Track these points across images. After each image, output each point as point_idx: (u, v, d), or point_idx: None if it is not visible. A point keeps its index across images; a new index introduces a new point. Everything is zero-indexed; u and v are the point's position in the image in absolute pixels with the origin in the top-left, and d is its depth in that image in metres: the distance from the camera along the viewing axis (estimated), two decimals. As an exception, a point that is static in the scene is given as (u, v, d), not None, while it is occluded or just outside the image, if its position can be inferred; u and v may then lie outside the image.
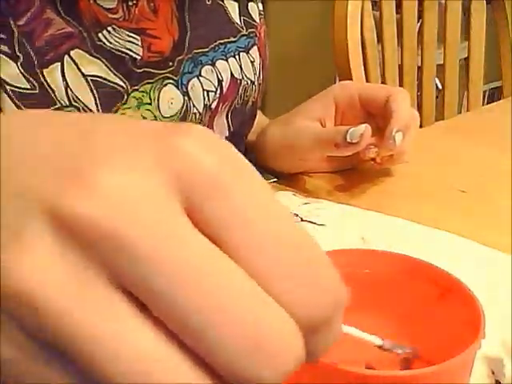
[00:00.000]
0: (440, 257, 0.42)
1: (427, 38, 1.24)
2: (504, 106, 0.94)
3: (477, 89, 1.28)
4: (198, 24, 0.60)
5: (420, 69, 1.25)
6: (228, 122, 0.65)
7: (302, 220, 0.57)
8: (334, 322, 0.22)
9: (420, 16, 1.23)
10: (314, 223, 0.56)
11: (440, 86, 1.32)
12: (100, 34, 0.53)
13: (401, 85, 1.23)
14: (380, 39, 1.17)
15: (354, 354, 0.38)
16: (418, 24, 1.24)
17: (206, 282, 0.19)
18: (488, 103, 1.26)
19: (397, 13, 1.18)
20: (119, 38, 0.54)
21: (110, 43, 0.54)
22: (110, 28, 0.54)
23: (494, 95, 2.33)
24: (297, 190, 0.64)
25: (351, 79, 1.08)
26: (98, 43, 0.53)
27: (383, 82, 1.20)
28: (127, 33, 0.55)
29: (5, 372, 0.20)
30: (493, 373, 0.39)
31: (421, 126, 0.67)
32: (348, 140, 0.58)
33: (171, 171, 0.19)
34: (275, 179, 0.67)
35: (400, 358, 0.39)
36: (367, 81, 1.15)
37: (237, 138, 0.68)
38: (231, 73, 0.63)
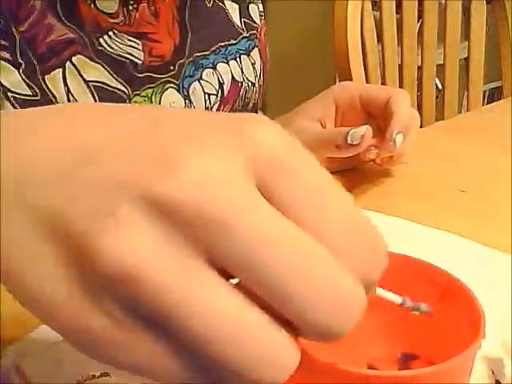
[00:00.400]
0: (440, 257, 0.42)
1: (427, 38, 1.24)
2: (504, 106, 0.94)
3: (477, 89, 1.28)
4: (198, 27, 0.60)
5: (420, 69, 1.26)
6: None
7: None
8: (377, 279, 0.25)
9: (420, 16, 1.23)
10: (314, 223, 0.56)
11: (440, 86, 1.32)
12: (101, 39, 0.53)
13: (401, 85, 1.23)
14: (380, 39, 1.17)
15: (355, 354, 0.38)
16: (418, 24, 1.24)
17: (290, 252, 0.21)
18: (488, 103, 1.26)
19: (397, 13, 1.18)
20: (120, 43, 0.54)
21: (111, 48, 0.54)
22: (110, 33, 0.54)
23: (493, 95, 2.33)
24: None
25: (351, 79, 1.08)
26: (99, 48, 0.53)
27: (383, 83, 1.20)
28: (128, 37, 0.55)
29: (89, 342, 0.21)
30: (493, 373, 0.39)
31: (421, 126, 0.67)
32: (349, 141, 0.58)
33: (248, 157, 0.22)
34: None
35: (399, 356, 0.39)
36: (367, 81, 1.15)
37: None
38: (232, 76, 0.63)
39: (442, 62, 1.26)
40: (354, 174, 0.67)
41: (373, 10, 1.15)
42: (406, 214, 0.58)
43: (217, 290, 0.21)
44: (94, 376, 0.39)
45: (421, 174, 0.68)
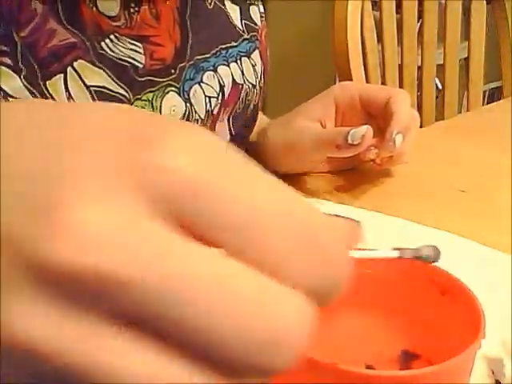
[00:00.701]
0: (440, 257, 0.42)
1: (427, 38, 1.24)
2: (504, 106, 0.94)
3: (477, 89, 1.28)
4: (199, 29, 0.60)
5: (420, 69, 1.26)
6: (229, 126, 0.65)
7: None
8: (340, 286, 0.23)
9: (420, 16, 1.23)
10: (314, 223, 0.56)
11: (440, 86, 1.32)
12: (103, 43, 0.53)
13: (401, 85, 1.23)
14: (380, 39, 1.17)
15: (354, 354, 0.38)
16: (418, 24, 1.24)
17: (215, 290, 0.18)
18: (488, 103, 1.26)
19: (397, 13, 1.18)
20: (121, 47, 0.54)
21: (113, 52, 0.53)
22: (112, 36, 0.53)
23: (493, 95, 2.33)
24: (297, 190, 0.64)
25: (351, 79, 1.08)
26: (101, 52, 0.53)
27: (383, 82, 1.20)
28: (129, 40, 0.55)
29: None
30: (493, 373, 0.39)
31: (421, 126, 0.67)
32: (349, 141, 0.58)
33: (146, 191, 0.18)
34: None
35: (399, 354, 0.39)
36: (367, 81, 1.15)
37: (239, 141, 0.68)
38: (233, 78, 0.63)
39: (442, 62, 1.26)
40: (354, 174, 0.67)
41: (373, 9, 1.15)
42: (406, 213, 0.58)
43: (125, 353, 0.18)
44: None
45: (421, 173, 0.68)
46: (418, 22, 1.24)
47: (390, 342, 0.39)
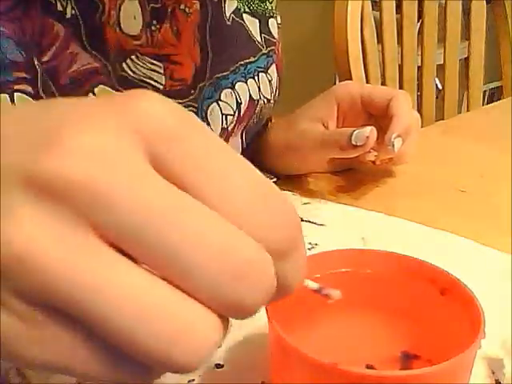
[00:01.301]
0: (440, 257, 0.42)
1: (427, 37, 1.24)
2: (504, 106, 0.94)
3: (477, 89, 1.28)
4: (219, 46, 0.59)
5: (420, 69, 1.26)
6: (242, 139, 0.65)
7: (302, 220, 0.57)
8: (298, 248, 0.24)
9: (420, 16, 1.23)
10: (314, 223, 0.56)
11: (440, 86, 1.32)
12: (124, 64, 0.52)
13: (401, 85, 1.23)
14: (380, 39, 1.17)
15: (354, 354, 0.38)
16: (418, 24, 1.24)
17: (184, 224, 0.20)
18: (488, 103, 1.26)
19: (397, 13, 1.18)
20: (142, 67, 0.53)
21: (134, 73, 0.53)
22: (133, 56, 0.52)
23: (493, 95, 2.33)
24: (297, 190, 0.64)
25: (351, 79, 1.08)
26: (122, 74, 0.52)
27: (383, 82, 1.20)
28: (150, 60, 0.54)
29: (9, 348, 0.21)
30: (493, 373, 0.39)
31: (421, 126, 0.67)
32: (353, 142, 0.57)
33: (133, 129, 0.21)
34: (275, 179, 0.67)
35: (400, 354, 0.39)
36: (367, 81, 1.15)
37: (249, 150, 0.67)
38: (250, 94, 0.62)
39: (441, 62, 1.26)
40: (354, 173, 0.67)
41: (373, 10, 1.15)
42: (405, 213, 0.58)
43: (115, 265, 0.20)
44: (93, 376, 0.39)
45: (421, 173, 0.68)
46: (418, 21, 1.24)
47: (390, 342, 0.39)
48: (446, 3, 1.24)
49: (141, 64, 0.53)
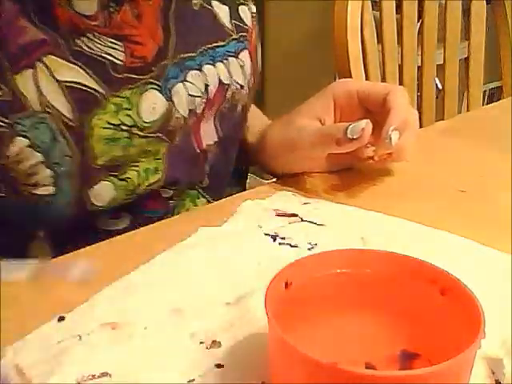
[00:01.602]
0: (440, 257, 0.42)
1: (427, 38, 1.24)
2: (504, 106, 0.94)
3: (477, 89, 1.28)
4: (184, 29, 0.60)
5: (420, 69, 1.25)
6: (216, 126, 0.65)
7: (302, 220, 0.57)
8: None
9: (420, 16, 1.23)
10: (314, 223, 0.56)
11: (440, 86, 1.32)
12: (78, 41, 0.53)
13: (401, 85, 1.23)
14: (380, 39, 1.17)
15: (354, 354, 0.38)
16: (418, 24, 1.24)
17: None
18: (488, 103, 1.26)
19: (397, 13, 1.18)
20: (100, 44, 0.54)
21: (90, 48, 0.54)
22: (89, 35, 0.54)
23: (493, 95, 2.33)
24: (296, 190, 0.64)
25: (351, 78, 1.08)
26: (76, 49, 0.53)
27: (383, 82, 1.20)
28: (109, 39, 0.55)
29: None
30: (493, 373, 0.39)
31: (421, 126, 0.67)
32: (349, 136, 0.57)
33: None
34: (275, 179, 0.67)
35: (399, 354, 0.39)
36: (367, 80, 1.14)
37: (228, 142, 0.68)
38: (219, 77, 0.63)
39: (441, 62, 1.26)
40: (354, 173, 0.67)
41: (373, 10, 1.14)
42: (405, 214, 0.58)
43: None
44: (93, 376, 0.39)
45: (421, 174, 0.68)
46: (418, 22, 1.23)
47: (390, 341, 0.39)
48: (445, 3, 1.24)
49: (98, 42, 0.54)
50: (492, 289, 0.46)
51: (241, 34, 0.66)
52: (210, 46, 0.62)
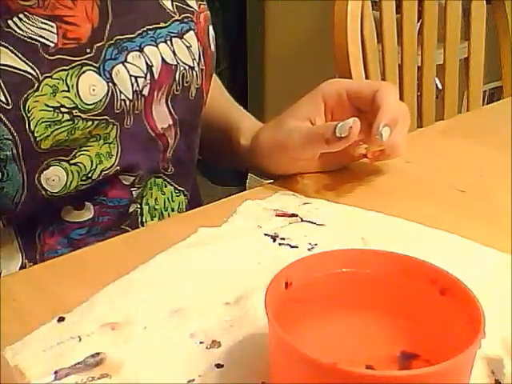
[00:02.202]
0: (440, 257, 0.42)
1: (427, 37, 1.24)
2: (504, 106, 0.94)
3: (477, 89, 1.28)
4: (122, 11, 0.60)
5: (420, 69, 1.25)
6: (169, 109, 0.65)
7: (301, 220, 0.57)
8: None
9: (420, 16, 1.23)
10: (314, 223, 0.56)
11: (440, 86, 1.32)
12: (10, 21, 0.53)
13: (401, 85, 1.23)
14: (380, 39, 1.17)
15: (354, 354, 0.38)
16: (418, 24, 1.24)
17: None
18: (488, 103, 1.26)
19: (397, 13, 1.18)
20: (31, 25, 0.54)
21: (21, 30, 0.54)
22: (21, 15, 0.54)
23: (493, 95, 2.33)
24: (296, 190, 0.64)
25: (351, 79, 1.08)
26: (7, 30, 0.53)
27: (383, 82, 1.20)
28: (41, 20, 0.55)
29: None
30: (493, 373, 0.39)
31: (421, 126, 0.67)
32: (337, 134, 0.58)
33: None
34: (271, 180, 0.67)
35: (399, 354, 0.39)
36: (366, 80, 1.14)
37: (186, 127, 0.68)
38: (162, 58, 0.63)
39: (441, 62, 1.26)
40: (354, 174, 0.67)
41: (373, 10, 1.14)
42: (405, 213, 0.58)
43: None
44: (93, 377, 0.39)
45: (421, 173, 0.68)
46: (418, 22, 1.23)
47: (390, 342, 0.39)
48: (445, 3, 1.24)
49: (30, 23, 0.54)
50: (492, 289, 0.46)
51: (184, 15, 0.65)
52: (150, 27, 0.62)
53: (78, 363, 0.40)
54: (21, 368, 0.39)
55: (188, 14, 0.66)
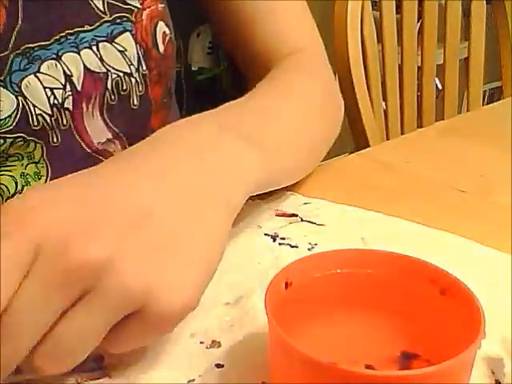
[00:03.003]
0: (440, 257, 0.42)
1: (427, 37, 1.24)
2: (504, 106, 0.94)
3: (477, 89, 1.28)
4: (36, 13, 0.53)
5: (420, 69, 1.26)
6: (106, 122, 0.58)
7: (301, 220, 0.57)
8: None
9: (420, 16, 1.23)
10: (314, 223, 0.56)
11: (440, 86, 1.32)
12: None
13: (401, 85, 1.23)
14: (380, 39, 1.17)
15: (354, 354, 0.38)
16: (418, 24, 1.24)
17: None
18: (488, 103, 1.26)
19: (397, 13, 1.18)
20: None
21: None
22: None
23: (493, 95, 2.33)
24: (296, 190, 0.64)
25: (351, 79, 1.08)
26: None
27: (383, 82, 1.20)
28: None
29: None
30: (493, 372, 0.39)
31: (421, 126, 0.67)
32: None
33: None
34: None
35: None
36: (367, 81, 1.15)
37: (133, 139, 0.55)
38: (85, 66, 0.55)
39: (441, 62, 1.26)
40: (354, 174, 0.67)
41: (373, 9, 1.15)
42: (405, 213, 0.58)
43: None
44: (93, 377, 0.39)
45: (421, 173, 0.68)
46: (418, 22, 1.24)
47: (390, 341, 0.39)
48: (445, 3, 1.24)
49: None
50: (492, 289, 0.46)
51: (117, 15, 0.57)
52: (70, 31, 0.54)
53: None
54: (21, 367, 0.39)
55: (123, 14, 0.57)
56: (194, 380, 0.39)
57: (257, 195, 0.62)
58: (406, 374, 0.34)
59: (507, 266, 0.50)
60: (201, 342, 0.42)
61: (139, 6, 0.58)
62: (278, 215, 0.58)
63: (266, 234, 0.55)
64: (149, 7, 0.59)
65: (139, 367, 0.40)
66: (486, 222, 0.58)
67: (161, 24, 0.60)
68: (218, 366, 0.40)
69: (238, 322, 0.43)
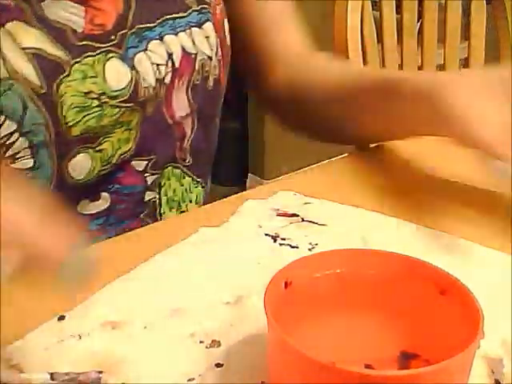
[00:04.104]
0: (440, 257, 0.42)
1: (427, 37, 1.24)
2: (504, 106, 0.94)
3: (477, 89, 1.28)
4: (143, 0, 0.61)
5: (420, 69, 1.26)
6: (188, 98, 0.65)
7: (302, 220, 0.57)
8: None
9: (420, 16, 1.23)
10: (315, 223, 0.56)
11: (440, 86, 1.32)
12: (42, 4, 0.54)
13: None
14: (380, 39, 1.17)
15: (354, 354, 0.38)
16: (418, 24, 1.24)
17: None
18: (488, 103, 1.26)
19: (397, 13, 1.19)
20: (61, 9, 0.55)
21: (52, 14, 0.54)
22: None
23: (494, 95, 2.32)
24: (297, 189, 0.64)
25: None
26: (39, 13, 0.53)
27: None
28: (71, 3, 0.55)
29: None
30: (492, 372, 0.39)
31: (421, 126, 0.67)
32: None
33: None
34: (275, 179, 0.67)
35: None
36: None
37: (204, 117, 0.68)
38: (182, 47, 0.63)
39: (442, 62, 1.26)
40: (354, 173, 0.67)
41: (373, 9, 1.15)
42: (405, 213, 0.58)
43: None
44: (93, 377, 0.39)
45: (421, 173, 0.68)
46: (418, 21, 1.24)
47: (390, 341, 0.39)
48: (445, 3, 1.24)
49: (60, 7, 0.55)
50: (492, 289, 0.46)
51: (202, 6, 0.66)
52: (169, 16, 0.63)
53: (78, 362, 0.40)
54: (21, 367, 0.39)
55: (205, 5, 0.66)
56: (193, 379, 0.39)
57: (257, 195, 0.62)
58: (405, 373, 0.34)
59: (507, 266, 0.50)
60: (201, 342, 0.42)
61: (214, 1, 0.68)
62: (278, 215, 0.58)
63: (266, 234, 0.55)
64: (219, 4, 0.69)
65: (139, 366, 0.40)
66: (486, 221, 0.58)
67: (225, 20, 0.70)
68: (218, 365, 0.40)
69: (238, 322, 0.43)
